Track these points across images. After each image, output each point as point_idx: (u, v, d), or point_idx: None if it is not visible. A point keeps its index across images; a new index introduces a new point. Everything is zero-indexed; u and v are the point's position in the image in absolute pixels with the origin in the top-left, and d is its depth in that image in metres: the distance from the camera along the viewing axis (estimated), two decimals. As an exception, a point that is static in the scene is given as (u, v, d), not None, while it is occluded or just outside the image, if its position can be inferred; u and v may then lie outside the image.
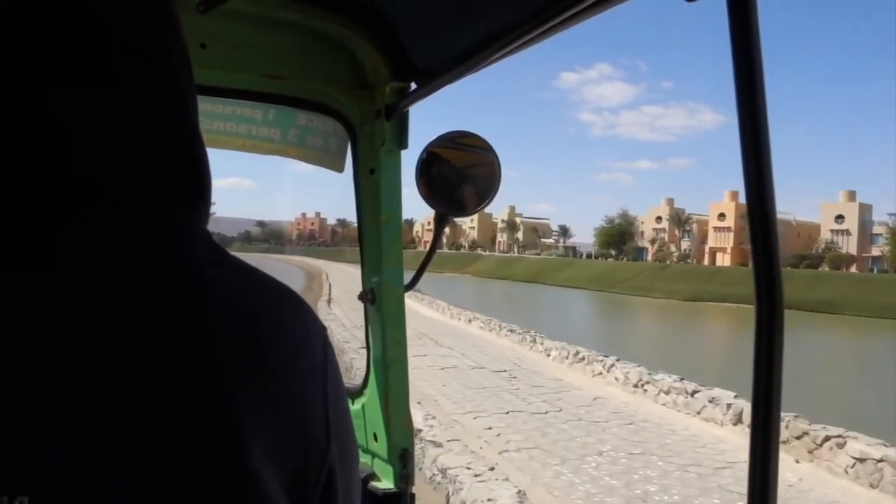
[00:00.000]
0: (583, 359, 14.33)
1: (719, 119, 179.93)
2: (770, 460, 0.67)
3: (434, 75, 1.34)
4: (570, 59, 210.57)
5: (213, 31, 1.30)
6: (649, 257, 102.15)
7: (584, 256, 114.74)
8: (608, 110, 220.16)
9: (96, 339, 0.44)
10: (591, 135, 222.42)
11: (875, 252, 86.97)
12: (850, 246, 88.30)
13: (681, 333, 36.60)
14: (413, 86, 1.44)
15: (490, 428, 9.59)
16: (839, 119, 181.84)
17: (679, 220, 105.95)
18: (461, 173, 1.38)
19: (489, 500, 6.55)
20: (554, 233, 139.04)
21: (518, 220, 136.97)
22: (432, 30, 1.34)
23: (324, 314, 23.66)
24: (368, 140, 1.49)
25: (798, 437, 8.35)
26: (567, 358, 15.03)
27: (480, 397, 11.61)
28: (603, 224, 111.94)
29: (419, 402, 10.50)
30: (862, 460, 7.59)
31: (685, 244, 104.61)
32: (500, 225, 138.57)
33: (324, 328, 0.56)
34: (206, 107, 1.46)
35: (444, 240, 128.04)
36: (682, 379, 11.43)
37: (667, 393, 11.23)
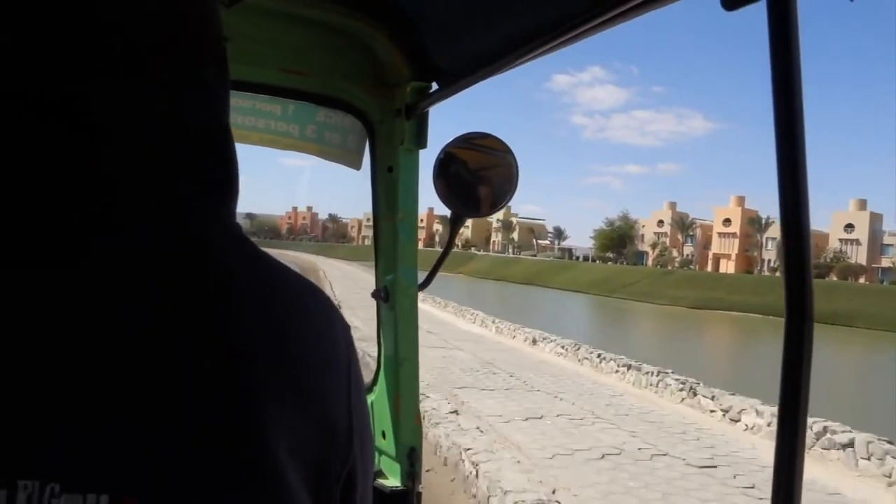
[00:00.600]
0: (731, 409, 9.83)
1: (710, 126, 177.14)
2: (795, 468, 0.67)
3: (456, 76, 1.37)
4: (562, 61, 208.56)
5: (235, 24, 1.34)
6: (650, 262, 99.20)
7: (579, 259, 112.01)
8: (599, 113, 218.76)
9: (127, 336, 0.45)
10: (583, 137, 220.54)
11: (885, 263, 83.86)
12: (859, 256, 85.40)
13: (721, 347, 33.83)
14: (434, 86, 1.46)
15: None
16: (851, 126, 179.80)
17: (683, 224, 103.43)
18: (477, 175, 1.41)
19: None
20: (549, 234, 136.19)
21: (514, 220, 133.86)
22: (455, 31, 1.36)
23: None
24: (387, 138, 1.53)
25: None
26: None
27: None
28: (602, 226, 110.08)
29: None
30: None
31: (688, 249, 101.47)
32: (494, 224, 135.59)
33: (347, 326, 0.56)
34: None
35: (437, 238, 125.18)
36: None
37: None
